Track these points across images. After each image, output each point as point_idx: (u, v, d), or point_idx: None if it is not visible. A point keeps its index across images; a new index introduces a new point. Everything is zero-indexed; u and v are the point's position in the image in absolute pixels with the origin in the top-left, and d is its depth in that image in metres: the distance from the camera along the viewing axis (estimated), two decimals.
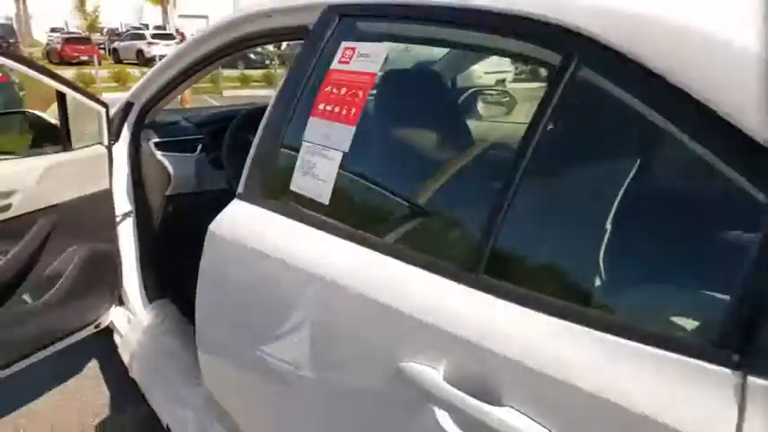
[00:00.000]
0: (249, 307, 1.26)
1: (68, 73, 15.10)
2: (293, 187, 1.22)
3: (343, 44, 1.18)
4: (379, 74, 1.11)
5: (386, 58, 1.11)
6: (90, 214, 2.14)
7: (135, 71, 16.40)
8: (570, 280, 0.84)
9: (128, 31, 29.72)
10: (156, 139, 2.21)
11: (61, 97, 1.99)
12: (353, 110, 1.12)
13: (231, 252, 1.31)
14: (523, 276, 0.85)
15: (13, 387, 2.32)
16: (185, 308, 2.33)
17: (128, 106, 2.24)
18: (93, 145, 2.15)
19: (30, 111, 2.11)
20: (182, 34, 30.26)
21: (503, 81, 3.63)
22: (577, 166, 0.88)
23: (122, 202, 2.28)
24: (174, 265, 2.50)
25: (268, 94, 13.69)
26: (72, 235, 2.07)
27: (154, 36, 24.72)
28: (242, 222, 1.31)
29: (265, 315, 1.20)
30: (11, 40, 23.31)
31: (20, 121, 2.07)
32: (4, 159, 1.93)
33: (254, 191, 1.32)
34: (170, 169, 2.19)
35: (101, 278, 2.20)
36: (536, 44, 0.89)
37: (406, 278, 0.92)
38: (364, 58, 1.12)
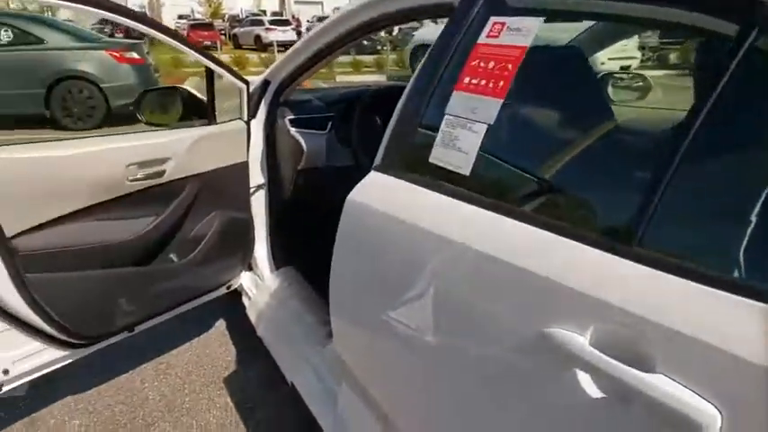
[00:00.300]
0: (385, 272, 1.32)
1: (191, 59, 16.14)
2: (433, 159, 1.25)
3: (492, 19, 1.20)
4: (529, 47, 1.12)
5: (535, 33, 1.12)
6: (229, 184, 2.31)
7: (253, 56, 17.22)
8: (727, 252, 0.82)
9: (247, 17, 31.17)
10: (291, 116, 2.34)
11: (209, 74, 2.16)
12: (501, 83, 1.13)
13: (368, 220, 1.37)
14: (679, 248, 0.84)
15: (150, 338, 2.56)
16: (309, 275, 2.47)
17: (265, 84, 2.38)
18: (233, 120, 2.31)
19: (182, 87, 2.30)
20: (297, 20, 31.33)
21: (627, 68, 3.48)
22: (747, 147, 0.85)
23: (256, 175, 2.44)
24: (301, 234, 2.65)
25: (379, 80, 13.91)
26: (213, 202, 2.25)
27: (271, 22, 25.79)
28: (379, 192, 1.37)
29: (400, 281, 1.26)
30: None
31: (172, 96, 2.26)
32: (160, 130, 2.12)
33: (393, 162, 1.38)
34: (303, 145, 2.32)
35: (235, 244, 2.37)
36: (708, 13, 0.87)
37: (553, 247, 0.93)
38: (515, 33, 1.13)
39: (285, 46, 21.45)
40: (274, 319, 2.30)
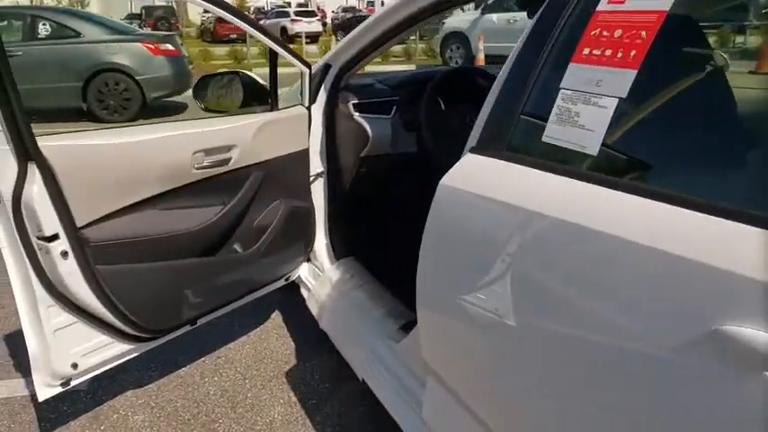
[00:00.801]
0: (490, 264, 1.22)
1: (222, 50, 16.17)
2: (547, 138, 1.15)
3: None
4: (666, 11, 1.00)
5: None
6: (290, 172, 2.23)
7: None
8: None
9: (273, 9, 31.17)
10: (355, 101, 2.24)
11: (273, 57, 2.07)
12: (633, 52, 1.02)
13: (467, 206, 1.27)
14: None
15: (207, 331, 2.50)
16: (371, 266, 2.38)
17: (325, 68, 2.29)
18: (295, 105, 2.23)
19: (243, 71, 2.22)
20: (322, 11, 31.21)
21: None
22: None
23: (315, 162, 2.35)
24: (362, 224, 2.56)
25: (409, 69, 13.75)
26: (276, 191, 2.17)
27: (296, 14, 25.73)
28: (480, 175, 1.26)
29: (509, 270, 1.15)
30: (172, 21, 25.37)
31: (233, 81, 2.18)
32: (223, 117, 2.05)
33: (493, 143, 1.27)
34: (369, 130, 2.22)
35: (297, 234, 2.29)
36: None
37: (726, 235, 0.82)
38: None
39: (311, 38, 21.42)
40: (339, 313, 2.22)
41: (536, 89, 1.23)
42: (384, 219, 2.66)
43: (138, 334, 1.86)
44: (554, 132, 1.14)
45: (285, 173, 2.19)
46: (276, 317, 2.79)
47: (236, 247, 2.08)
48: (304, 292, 2.49)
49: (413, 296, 2.07)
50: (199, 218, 1.91)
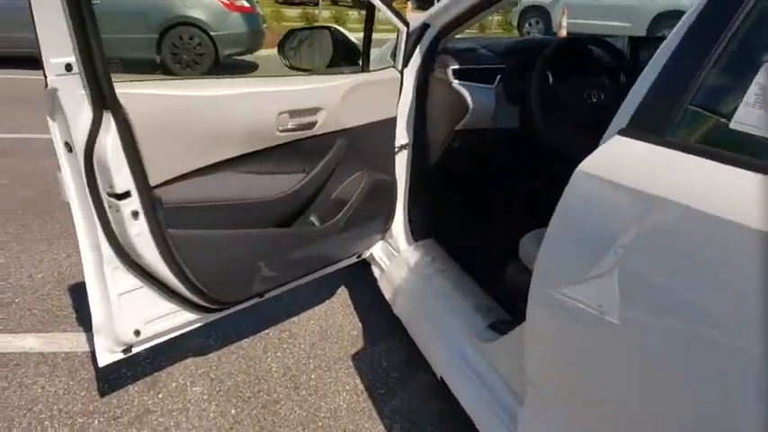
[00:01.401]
0: (638, 264, 0.99)
1: (293, 13, 16.02)
2: (736, 125, 0.90)
3: None
4: None
5: None
6: (376, 142, 2.04)
7: (354, 14, 16.87)
8: None
9: None
10: (456, 66, 2.01)
11: (370, 11, 1.86)
12: None
13: (612, 197, 1.04)
14: None
15: (272, 303, 2.37)
16: (453, 251, 2.18)
17: (423, 28, 2.06)
18: (387, 68, 2.02)
19: (334, 27, 2.02)
20: None
21: None
22: None
23: (400, 132, 2.15)
24: (447, 204, 2.36)
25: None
26: (359, 161, 1.98)
27: None
28: (631, 163, 1.03)
29: (667, 271, 0.93)
30: None
31: (322, 37, 1.99)
32: (311, 76, 1.86)
33: (652, 126, 1.03)
34: (469, 100, 1.99)
35: (377, 210, 2.11)
36: None
37: None
38: None
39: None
40: (416, 299, 2.03)
41: (720, 62, 0.98)
42: (473, 200, 2.44)
43: (205, 304, 1.73)
44: (749, 117, 0.89)
45: (370, 142, 2.00)
46: (342, 293, 2.63)
47: (313, 219, 1.91)
48: (376, 271, 2.31)
49: (502, 290, 1.83)
50: (279, 185, 1.75)
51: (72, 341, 2.19)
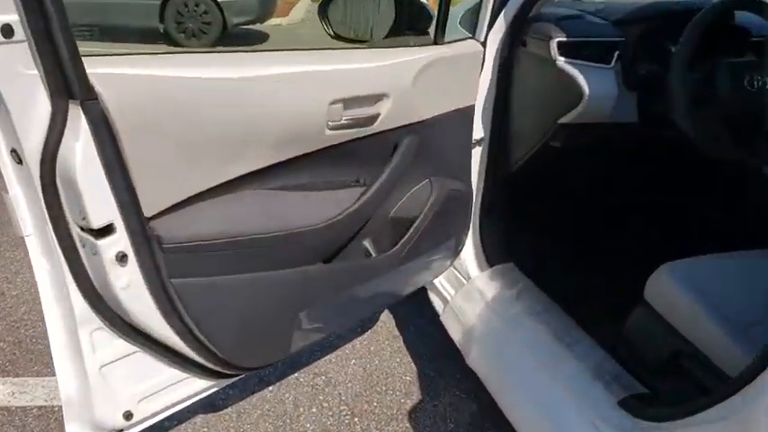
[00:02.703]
0: None
1: None
2: None
3: None
4: None
5: None
6: (449, 139, 1.52)
7: None
8: None
9: None
10: (563, 39, 1.46)
11: None
12: None
13: None
14: None
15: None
16: (543, 281, 1.67)
17: None
18: (465, 39, 1.49)
19: None
20: None
21: None
22: None
23: (476, 125, 1.62)
24: (534, 220, 1.84)
25: None
26: (427, 166, 1.47)
27: None
28: None
29: None
30: None
31: None
32: (369, 51, 1.33)
33: None
34: (584, 86, 1.44)
35: (448, 229, 1.60)
36: None
37: None
38: None
39: None
40: (502, 352, 1.53)
41: None
42: (573, 217, 1.92)
43: (223, 371, 1.24)
44: None
45: (442, 140, 1.49)
46: (388, 321, 2.13)
47: (367, 245, 1.39)
48: (435, 300, 1.82)
49: (624, 345, 1.36)
50: (327, 205, 1.24)
51: (48, 390, 1.71)
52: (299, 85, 1.09)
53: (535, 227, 1.86)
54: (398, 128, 1.32)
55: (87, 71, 0.84)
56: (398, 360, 1.93)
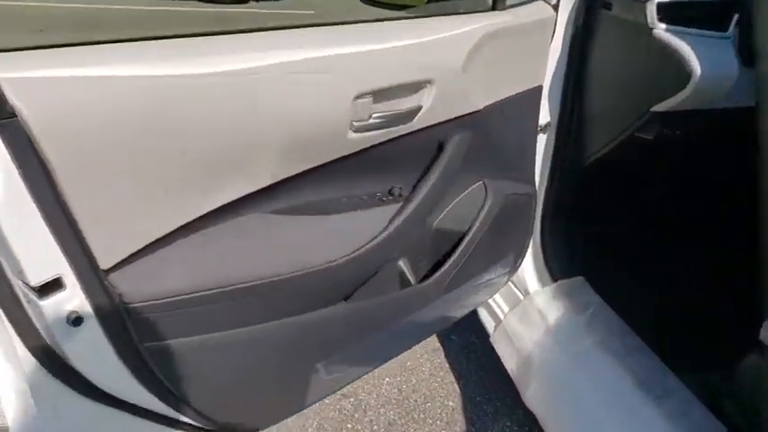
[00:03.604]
0: None
1: None
2: None
3: None
4: None
5: None
6: (509, 130, 1.19)
7: None
8: None
9: None
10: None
11: None
12: None
13: None
14: None
15: None
16: (620, 303, 1.36)
17: None
18: (531, 1, 1.15)
19: None
20: None
21: None
22: None
23: (542, 108, 1.29)
24: (608, 228, 1.52)
25: None
26: (482, 164, 1.15)
27: None
28: None
29: None
30: None
31: None
32: (406, 19, 1.01)
33: None
34: (695, 64, 1.09)
35: (506, 243, 1.29)
36: None
37: None
38: None
39: None
40: (568, 393, 1.24)
41: None
42: (663, 229, 1.59)
43: None
44: None
45: (501, 132, 1.16)
46: (430, 341, 1.84)
47: (404, 269, 1.10)
48: (485, 317, 1.54)
49: (736, 402, 1.04)
50: (351, 231, 0.95)
51: None
52: (310, 75, 0.79)
53: (612, 235, 1.53)
54: (445, 122, 1.01)
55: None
56: (439, 380, 1.66)
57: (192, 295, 0.77)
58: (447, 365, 1.70)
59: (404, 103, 0.93)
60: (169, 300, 0.76)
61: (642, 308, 1.37)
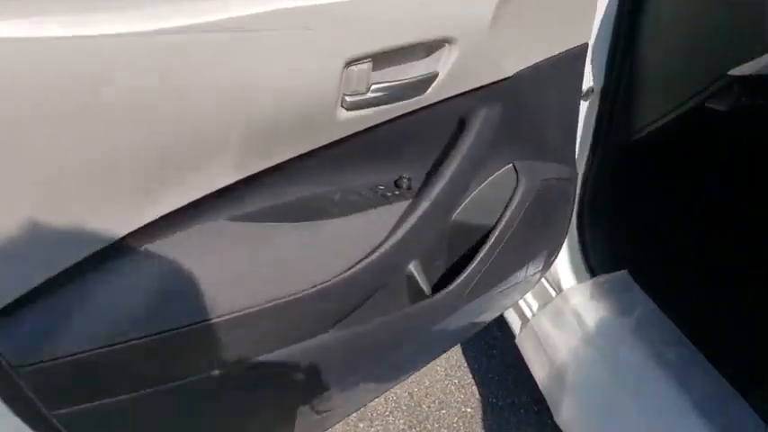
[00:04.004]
0: None
1: None
2: None
3: None
4: None
5: None
6: (547, 100, 0.96)
7: None
8: None
9: None
10: None
11: None
12: None
13: None
14: None
15: None
16: (673, 304, 1.14)
17: None
18: None
19: None
20: None
21: None
22: None
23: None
24: (662, 214, 1.29)
25: None
26: (512, 143, 0.92)
27: None
28: None
29: None
30: None
31: None
32: None
33: None
34: None
35: (541, 234, 1.07)
36: None
37: None
38: None
39: None
40: (612, 417, 1.04)
41: None
42: (730, 218, 1.35)
43: None
44: None
45: (536, 103, 0.93)
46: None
47: (414, 272, 0.88)
48: (511, 315, 1.32)
49: None
50: (345, 239, 0.73)
51: None
52: (283, 33, 0.56)
53: (665, 222, 1.30)
54: (468, 93, 0.78)
55: None
56: (456, 381, 1.47)
57: (110, 348, 0.57)
58: (465, 364, 1.51)
59: (414, 70, 0.70)
60: (78, 357, 0.55)
61: (700, 311, 1.15)
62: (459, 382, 1.46)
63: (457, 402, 1.41)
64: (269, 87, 0.57)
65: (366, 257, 0.72)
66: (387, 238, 0.74)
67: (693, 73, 1.01)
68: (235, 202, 0.65)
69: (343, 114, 0.65)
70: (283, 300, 0.65)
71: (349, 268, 0.70)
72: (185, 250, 0.60)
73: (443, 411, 1.39)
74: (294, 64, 0.57)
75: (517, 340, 1.29)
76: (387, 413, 1.38)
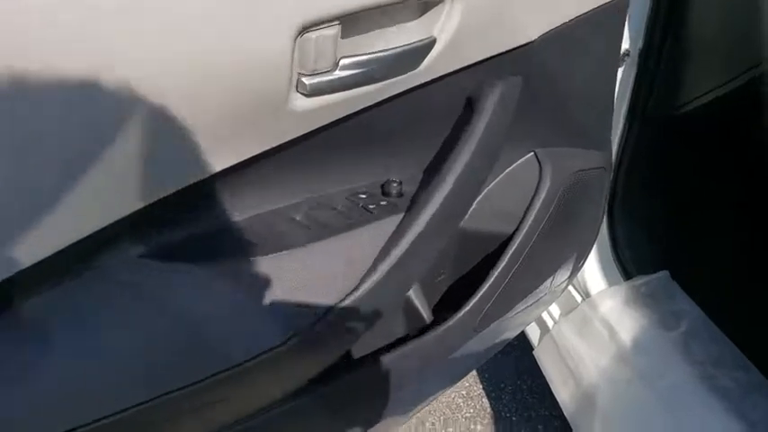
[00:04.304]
0: None
1: None
2: None
3: None
4: None
5: None
6: (576, 71, 0.74)
7: None
8: None
9: None
10: None
11: None
12: None
13: None
14: None
15: None
16: (724, 313, 0.96)
17: None
18: None
19: None
20: None
21: None
22: None
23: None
24: (711, 205, 1.09)
25: None
26: (533, 127, 0.72)
27: None
28: None
29: None
30: None
31: None
32: None
33: None
34: None
35: (568, 237, 0.87)
36: None
37: None
38: None
39: None
40: (638, 421, 0.87)
41: None
42: None
43: None
44: None
45: (563, 75, 0.72)
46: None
47: (414, 299, 0.69)
48: (529, 326, 1.14)
49: None
50: (311, 280, 0.53)
51: None
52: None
53: (714, 215, 1.10)
54: (477, 65, 0.57)
55: None
56: (463, 393, 1.29)
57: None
58: (474, 373, 1.33)
59: (401, 36, 0.49)
60: None
61: (761, 323, 0.96)
62: (466, 394, 1.28)
63: (465, 419, 1.24)
64: (194, 66, 0.37)
65: (346, 298, 0.52)
66: (372, 269, 0.54)
67: (755, 34, 0.79)
68: (150, 235, 0.45)
69: (301, 103, 0.45)
70: (229, 370, 0.46)
71: (325, 313, 0.51)
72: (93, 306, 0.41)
73: (449, 430, 1.22)
74: (227, 31, 0.37)
75: (535, 352, 1.11)
76: None
